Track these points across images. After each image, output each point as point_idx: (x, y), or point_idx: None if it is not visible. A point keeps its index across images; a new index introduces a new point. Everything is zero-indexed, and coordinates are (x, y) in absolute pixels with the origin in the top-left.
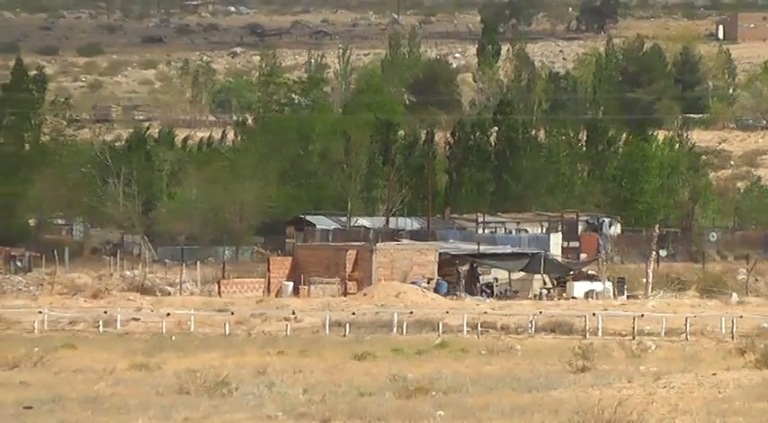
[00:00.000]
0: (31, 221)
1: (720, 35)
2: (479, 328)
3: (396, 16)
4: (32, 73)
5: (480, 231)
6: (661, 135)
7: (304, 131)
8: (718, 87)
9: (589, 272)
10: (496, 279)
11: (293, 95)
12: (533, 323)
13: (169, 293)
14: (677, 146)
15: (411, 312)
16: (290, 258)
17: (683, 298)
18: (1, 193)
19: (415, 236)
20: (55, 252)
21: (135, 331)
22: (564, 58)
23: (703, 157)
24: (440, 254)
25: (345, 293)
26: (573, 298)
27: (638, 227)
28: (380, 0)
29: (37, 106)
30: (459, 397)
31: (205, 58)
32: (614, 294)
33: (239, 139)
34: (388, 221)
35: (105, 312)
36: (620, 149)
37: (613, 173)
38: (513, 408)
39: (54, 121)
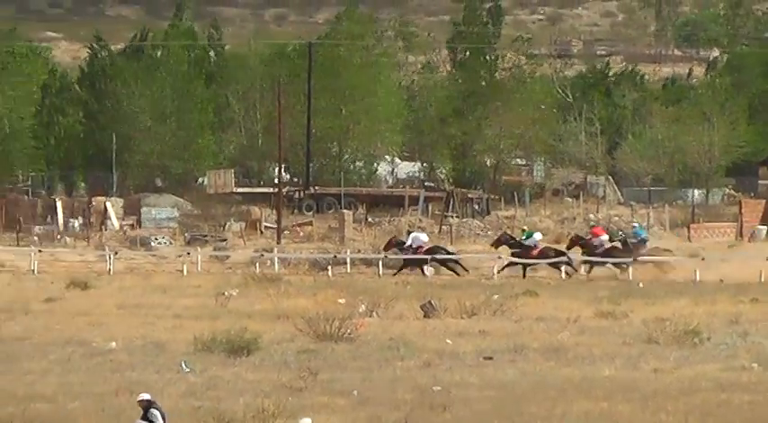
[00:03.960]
0: (488, 162)
1: None
2: None
3: None
4: (487, 5)
5: None
6: None
7: None
8: None
9: None
10: None
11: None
12: None
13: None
14: None
15: None
16: (764, 201)
17: None
18: (455, 133)
19: None
20: (514, 194)
21: (600, 277)
22: None
23: None
24: None
25: None
26: None
27: None
28: None
29: (493, 41)
30: None
31: None
32: None
33: (708, 76)
34: None
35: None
36: None
37: None
38: None
39: (512, 56)
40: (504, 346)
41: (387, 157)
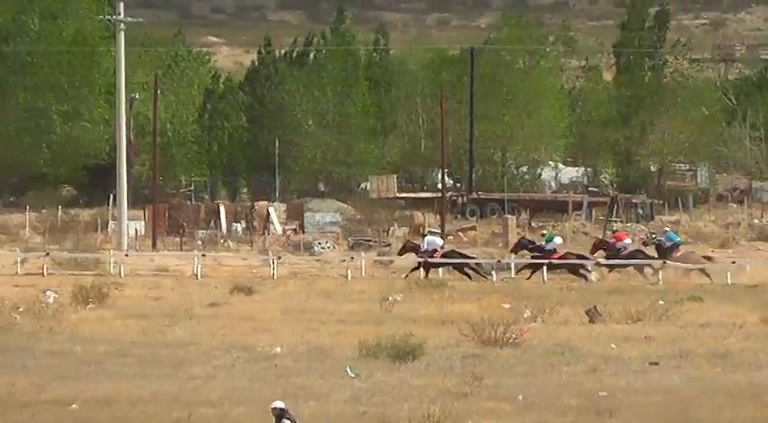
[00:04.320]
0: (652, 167)
1: None
2: None
3: None
4: (653, 10)
5: None
6: None
7: None
8: None
9: None
10: None
11: None
12: None
13: None
14: None
15: None
16: None
17: None
18: (619, 138)
19: None
20: (678, 199)
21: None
22: None
23: None
24: None
25: None
26: None
27: None
28: None
29: (658, 46)
30: None
31: None
32: None
33: None
34: None
35: (733, 263)
36: None
37: None
38: None
39: (675, 61)
40: (669, 352)
41: (550, 162)
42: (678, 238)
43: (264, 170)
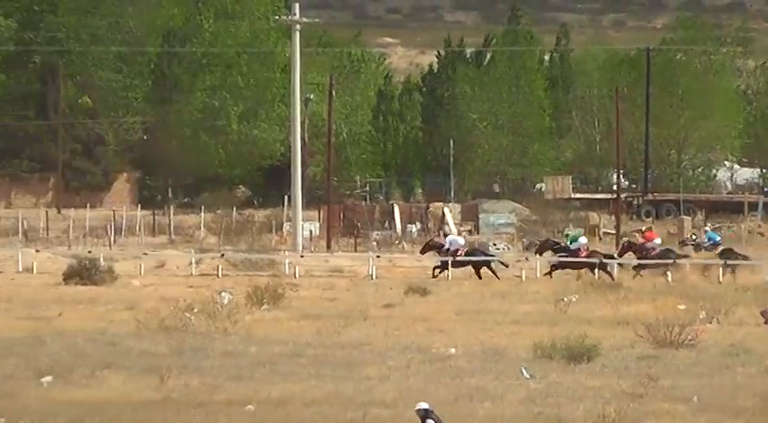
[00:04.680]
0: None
1: None
2: None
3: None
4: None
5: None
6: None
7: None
8: None
9: None
10: None
11: None
12: None
13: None
14: None
15: None
16: None
17: None
18: None
19: None
20: None
21: None
22: None
23: None
24: None
25: None
26: None
27: None
28: None
29: None
30: None
31: None
32: None
33: None
34: None
35: None
36: None
37: None
38: None
39: None
40: None
41: (725, 162)
42: (717, 238)
43: (439, 171)
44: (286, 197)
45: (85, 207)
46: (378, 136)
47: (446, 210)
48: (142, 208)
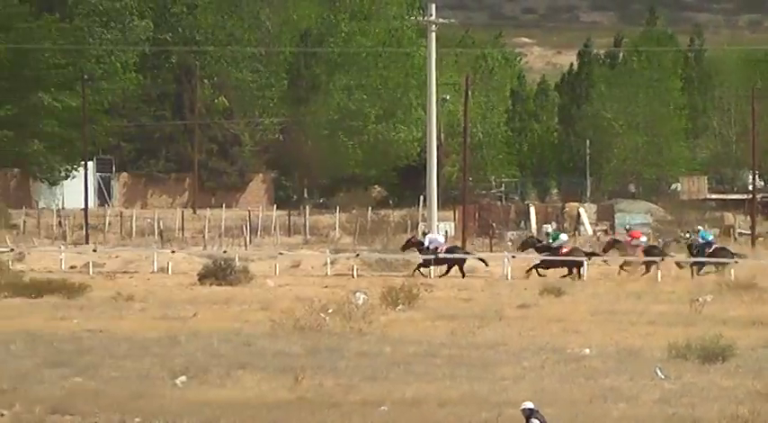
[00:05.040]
0: None
1: None
2: None
3: None
4: None
5: None
6: None
7: None
8: None
9: None
10: None
11: None
12: None
13: None
14: None
15: None
16: None
17: None
18: None
19: None
20: None
21: None
22: None
23: None
24: None
25: None
26: None
27: None
28: None
29: None
30: None
31: None
32: None
33: None
34: None
35: None
36: None
37: None
38: None
39: None
40: None
41: None
42: (710, 237)
43: (575, 171)
44: (421, 197)
45: (221, 207)
46: (513, 136)
47: (581, 210)
48: (278, 208)
